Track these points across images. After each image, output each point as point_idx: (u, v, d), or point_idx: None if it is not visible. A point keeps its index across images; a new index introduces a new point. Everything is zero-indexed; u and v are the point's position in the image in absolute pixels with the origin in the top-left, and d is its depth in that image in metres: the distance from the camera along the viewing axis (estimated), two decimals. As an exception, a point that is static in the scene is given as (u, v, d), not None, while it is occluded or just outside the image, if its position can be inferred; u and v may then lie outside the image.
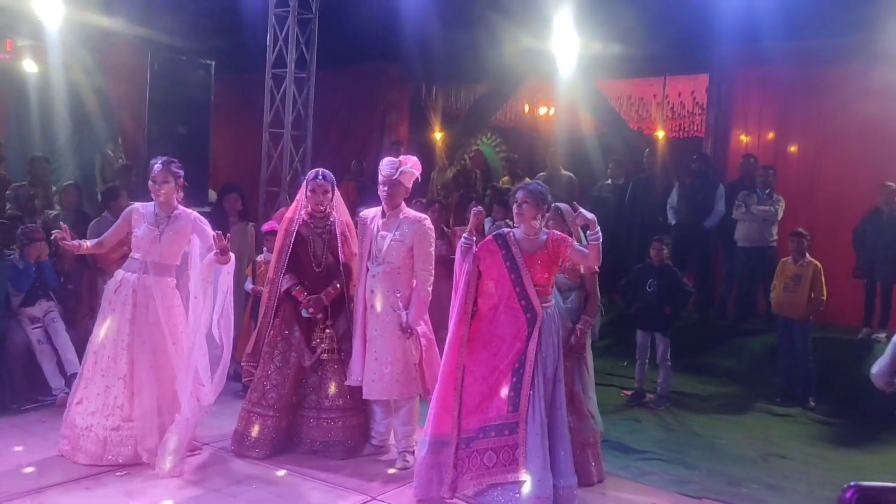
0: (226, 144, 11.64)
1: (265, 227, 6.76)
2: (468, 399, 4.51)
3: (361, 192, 9.94)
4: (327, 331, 5.20)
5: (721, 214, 8.79)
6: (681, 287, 7.24)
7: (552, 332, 4.51)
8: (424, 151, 11.01)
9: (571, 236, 4.73)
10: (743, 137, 9.89)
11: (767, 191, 8.41)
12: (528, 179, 8.89)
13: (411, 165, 5.09)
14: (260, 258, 6.66)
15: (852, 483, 1.41)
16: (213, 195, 8.42)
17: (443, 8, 9.85)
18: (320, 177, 5.19)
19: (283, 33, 9.11)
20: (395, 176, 5.03)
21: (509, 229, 4.75)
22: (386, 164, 5.08)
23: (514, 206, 4.60)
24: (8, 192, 8.20)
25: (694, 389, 7.69)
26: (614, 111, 11.88)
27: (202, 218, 5.11)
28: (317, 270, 5.21)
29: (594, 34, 9.73)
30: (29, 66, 11.26)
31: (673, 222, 9.03)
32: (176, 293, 5.05)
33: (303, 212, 5.24)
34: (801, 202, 8.92)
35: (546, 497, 4.25)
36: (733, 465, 5.73)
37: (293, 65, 9.10)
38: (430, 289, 5.06)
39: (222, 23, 10.11)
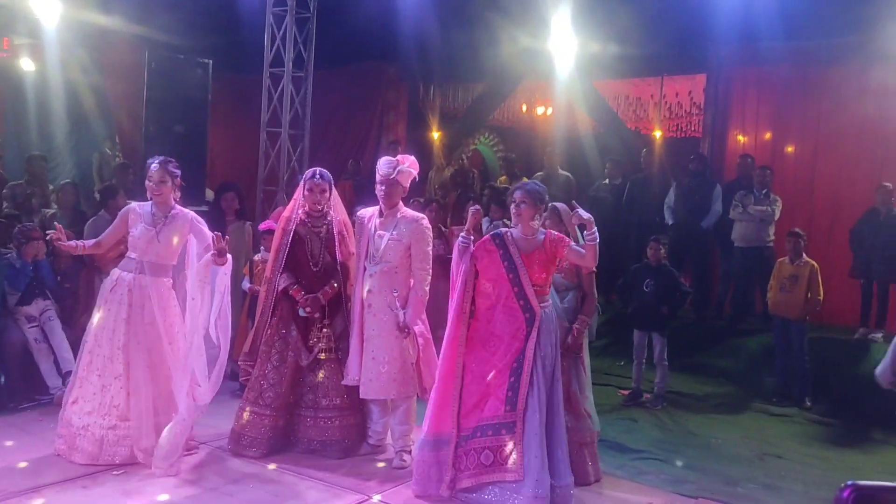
0: (223, 143, 11.61)
1: (262, 226, 6.75)
2: (466, 398, 4.53)
3: (358, 191, 9.94)
4: (324, 330, 5.20)
5: (718, 214, 8.79)
6: (678, 287, 7.25)
7: (550, 331, 4.52)
8: (422, 151, 11.02)
9: (569, 236, 4.73)
10: (740, 137, 9.89)
11: (764, 191, 8.42)
12: (525, 179, 8.92)
13: (409, 165, 5.09)
14: (257, 257, 6.65)
15: (849, 482, 1.41)
16: (210, 194, 8.41)
17: (441, 7, 9.85)
18: (318, 176, 5.19)
19: (281, 32, 9.11)
20: (393, 175, 5.03)
21: (507, 229, 4.76)
22: (383, 164, 5.08)
23: (513, 207, 4.60)
24: (5, 190, 8.19)
25: (691, 389, 7.69)
26: (612, 111, 11.88)
27: (199, 218, 5.10)
28: (314, 270, 5.21)
29: (592, 34, 9.74)
30: (26, 65, 11.24)
31: (670, 222, 9.03)
32: (172, 293, 5.04)
33: (300, 211, 5.24)
34: (799, 202, 8.93)
35: (543, 496, 4.26)
36: (730, 465, 5.74)
37: (291, 64, 9.10)
38: (427, 288, 5.06)
39: (220, 21, 10.10)
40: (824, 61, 8.91)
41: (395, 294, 5.00)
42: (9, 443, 5.08)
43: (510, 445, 4.37)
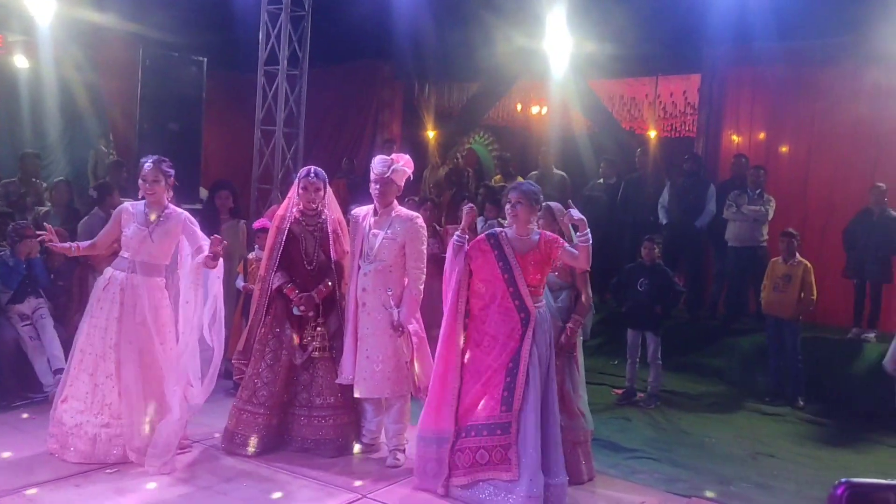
0: (217, 141, 11.60)
1: (257, 224, 6.75)
2: (462, 397, 4.55)
3: (353, 189, 9.95)
4: (318, 329, 5.19)
5: (712, 214, 8.81)
6: (671, 286, 7.26)
7: (545, 331, 4.53)
8: (417, 149, 11.03)
9: (563, 236, 4.73)
10: (734, 137, 9.91)
11: (758, 191, 8.44)
12: (520, 178, 8.94)
13: (403, 163, 5.09)
14: (251, 256, 6.64)
15: (843, 480, 1.41)
16: (204, 193, 8.40)
17: (436, 6, 9.86)
18: (312, 174, 5.18)
19: (276, 30, 9.10)
20: (388, 174, 5.03)
21: (501, 229, 4.75)
22: (378, 162, 5.08)
23: (508, 207, 4.59)
24: (-2, 188, 8.17)
25: (684, 388, 7.71)
26: (606, 111, 11.90)
27: (192, 218, 5.08)
28: (308, 268, 5.20)
29: (587, 34, 9.76)
30: (20, 62, 11.20)
31: (664, 222, 9.05)
32: (164, 293, 5.01)
33: (294, 209, 5.23)
34: (792, 202, 8.96)
35: (537, 496, 4.27)
36: (723, 464, 5.75)
37: (285, 62, 9.10)
38: (421, 287, 5.06)
39: (214, 19, 10.09)
40: (818, 61, 8.94)
41: (390, 293, 5.00)
42: (1, 441, 5.06)
43: (506, 445, 4.38)
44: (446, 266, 4.68)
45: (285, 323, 5.20)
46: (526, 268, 4.49)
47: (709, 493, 5.08)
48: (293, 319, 5.20)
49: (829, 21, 8.10)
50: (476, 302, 4.59)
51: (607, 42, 9.74)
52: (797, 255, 7.45)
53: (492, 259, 4.53)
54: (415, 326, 5.12)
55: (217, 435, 5.25)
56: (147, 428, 4.79)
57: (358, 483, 4.73)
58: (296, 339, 5.18)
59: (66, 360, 5.20)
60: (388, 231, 5.05)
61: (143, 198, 5.02)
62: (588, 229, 4.43)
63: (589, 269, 4.73)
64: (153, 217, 4.95)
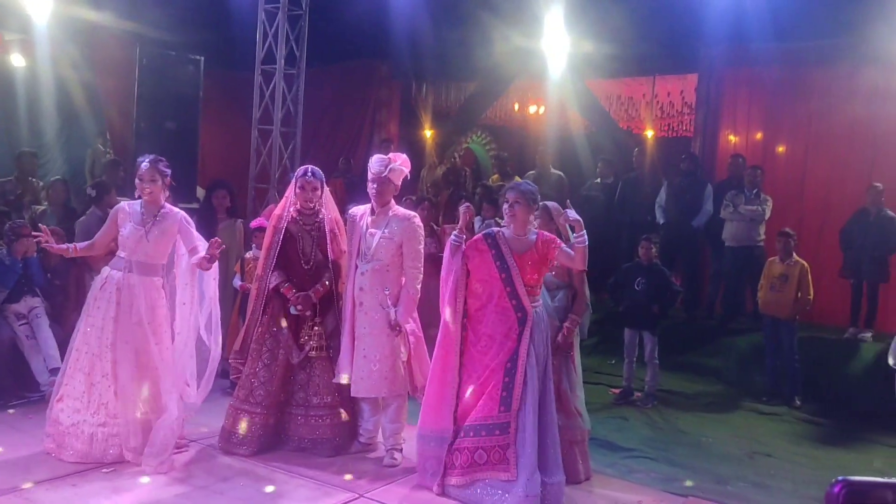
0: (214, 140, 11.58)
1: (254, 223, 6.74)
2: (460, 397, 4.55)
3: (350, 189, 9.93)
4: (316, 328, 5.19)
5: (709, 214, 8.82)
6: (669, 286, 7.26)
7: (542, 331, 4.53)
8: (414, 149, 11.02)
9: (560, 236, 4.74)
10: (731, 137, 9.93)
11: (755, 191, 8.45)
12: (518, 178, 8.93)
13: (401, 163, 5.09)
14: (248, 255, 6.64)
15: (840, 478, 1.41)
16: (200, 192, 8.39)
17: (433, 6, 9.86)
18: (309, 174, 5.18)
19: (273, 29, 9.09)
20: (385, 173, 5.03)
21: (498, 228, 4.76)
22: (375, 162, 5.08)
23: (506, 207, 4.59)
24: (-6, 187, 8.15)
25: (681, 388, 7.72)
26: (604, 110, 11.91)
27: (188, 218, 5.07)
28: (305, 267, 5.20)
29: (584, 33, 9.76)
30: (17, 61, 11.17)
31: (661, 221, 9.06)
32: (161, 293, 5.00)
33: (292, 209, 5.23)
34: (789, 202, 8.97)
35: (534, 496, 4.27)
36: (720, 464, 5.76)
37: (283, 61, 9.09)
38: (418, 286, 5.06)
39: (211, 18, 10.07)
40: (815, 62, 8.95)
41: (387, 292, 5.00)
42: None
43: (504, 445, 4.38)
44: (443, 266, 4.68)
45: (282, 322, 5.19)
46: (523, 267, 4.49)
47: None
48: (290, 319, 5.19)
49: (826, 22, 8.10)
50: (473, 302, 4.59)
51: (605, 42, 9.74)
52: (794, 254, 7.45)
53: (489, 259, 4.53)
54: (412, 326, 5.12)
55: (206, 432, 5.23)
56: (143, 427, 4.79)
57: (355, 482, 4.73)
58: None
59: (63, 359, 5.20)
60: (386, 230, 5.04)
61: (139, 197, 5.01)
62: (584, 230, 4.44)
63: (586, 269, 4.74)
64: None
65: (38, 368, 6.04)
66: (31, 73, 11.04)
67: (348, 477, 4.76)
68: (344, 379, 5.08)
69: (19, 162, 8.63)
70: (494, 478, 4.37)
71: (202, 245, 4.88)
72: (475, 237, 4.70)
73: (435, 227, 7.80)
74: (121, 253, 4.95)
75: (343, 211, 5.60)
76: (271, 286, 5.18)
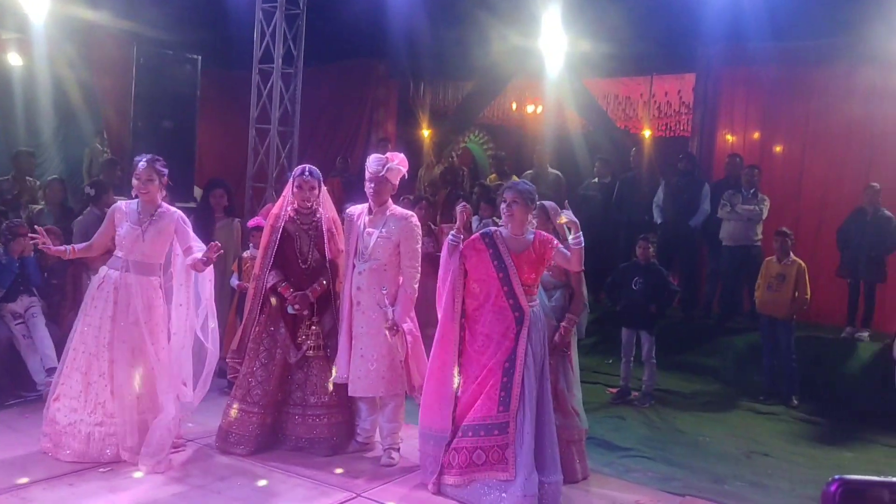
0: (212, 140, 11.57)
1: (251, 223, 6.73)
2: (458, 397, 4.54)
3: (347, 188, 9.92)
4: (313, 327, 5.18)
5: (706, 213, 8.83)
6: (666, 285, 7.27)
7: (539, 330, 4.53)
8: (412, 148, 11.01)
9: (558, 236, 4.73)
10: (729, 137, 9.93)
11: (752, 190, 8.45)
12: (515, 177, 8.93)
13: (398, 162, 5.08)
14: (246, 254, 6.63)
15: (836, 477, 1.41)
16: (198, 192, 8.38)
17: (431, 5, 9.85)
18: (307, 173, 5.17)
19: (271, 28, 9.08)
20: (382, 173, 5.02)
21: (496, 228, 4.75)
22: (373, 161, 5.07)
23: (504, 207, 4.59)
24: (-8, 186, 8.14)
25: (678, 387, 7.72)
26: (601, 110, 11.91)
27: (185, 218, 5.06)
28: (303, 267, 5.19)
29: (582, 33, 9.77)
30: (14, 60, 11.15)
31: (659, 221, 9.06)
32: (158, 292, 4.98)
33: (289, 208, 5.22)
34: (786, 202, 8.98)
35: (532, 495, 4.27)
36: (717, 463, 5.76)
37: (280, 60, 9.07)
38: (416, 286, 5.06)
39: (209, 17, 10.06)
40: (812, 62, 8.96)
41: (384, 291, 4.99)
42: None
43: (503, 445, 4.38)
44: (441, 266, 4.68)
45: (280, 322, 5.18)
46: (520, 267, 4.49)
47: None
48: (287, 318, 5.18)
49: (824, 21, 8.11)
50: (470, 302, 4.60)
51: (602, 41, 9.75)
52: (791, 254, 7.46)
53: (486, 258, 4.53)
54: (409, 325, 5.11)
55: (203, 431, 5.23)
56: (139, 427, 4.78)
57: (352, 482, 4.72)
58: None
59: (59, 358, 5.19)
60: (383, 230, 5.04)
61: (136, 196, 5.01)
62: (581, 232, 4.44)
63: (582, 269, 4.74)
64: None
65: (35, 368, 6.03)
66: (27, 73, 11.02)
67: (353, 482, 4.75)
68: (333, 372, 5.08)
69: (16, 161, 8.62)
70: (492, 478, 4.38)
71: (197, 246, 4.88)
72: (473, 236, 4.70)
73: (432, 226, 7.80)
74: (118, 252, 4.94)
75: (340, 210, 5.60)
76: (269, 285, 5.18)
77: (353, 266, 5.09)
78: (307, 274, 5.20)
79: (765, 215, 8.42)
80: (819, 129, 9.07)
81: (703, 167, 9.69)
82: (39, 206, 7.90)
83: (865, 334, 7.91)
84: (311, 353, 5.15)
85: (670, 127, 11.85)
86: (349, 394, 5.10)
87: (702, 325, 8.85)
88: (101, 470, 4.65)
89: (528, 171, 10.02)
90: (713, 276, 9.13)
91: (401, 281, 5.06)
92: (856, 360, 7.70)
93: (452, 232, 4.60)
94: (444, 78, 12.86)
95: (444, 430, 4.54)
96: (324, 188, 5.34)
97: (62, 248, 5.04)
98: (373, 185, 5.04)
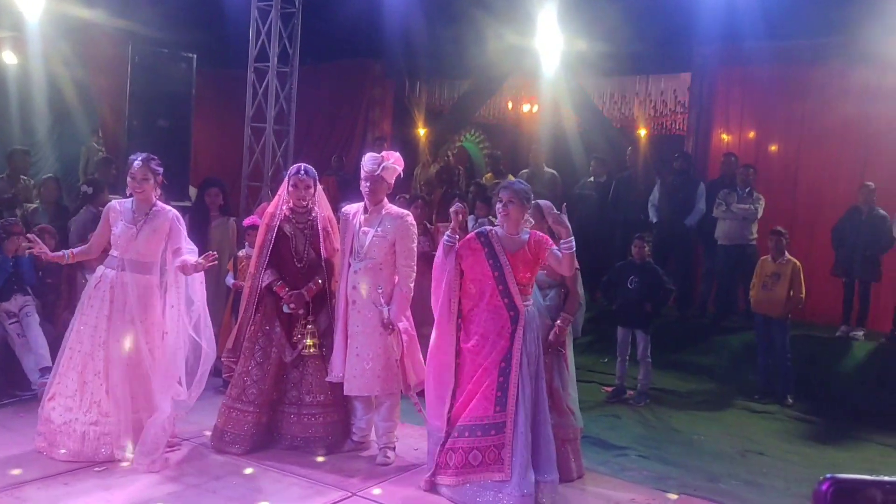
0: (207, 138, 11.57)
1: (246, 221, 6.73)
2: (454, 396, 4.55)
3: (343, 187, 9.92)
4: (308, 326, 5.18)
5: (702, 212, 8.84)
6: (661, 284, 7.27)
7: (534, 329, 4.54)
8: (408, 147, 11.01)
9: (553, 236, 4.74)
10: (724, 136, 9.95)
11: (748, 189, 8.47)
12: (511, 177, 8.94)
13: (394, 161, 5.08)
14: (241, 253, 6.62)
15: (828, 475, 1.41)
16: (193, 191, 8.36)
17: (427, 4, 9.85)
18: (302, 172, 5.17)
19: (266, 27, 9.06)
20: (378, 172, 5.02)
21: (491, 227, 4.75)
22: (368, 160, 5.07)
23: (499, 206, 4.58)
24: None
25: (674, 386, 7.73)
26: (597, 109, 11.91)
27: (180, 217, 5.05)
28: (298, 266, 5.19)
29: (578, 32, 9.77)
30: (8, 58, 11.15)
31: (654, 220, 9.07)
32: (155, 291, 4.97)
33: (284, 207, 5.22)
34: (781, 201, 8.99)
35: (529, 495, 4.28)
36: (712, 462, 5.77)
37: (276, 59, 9.05)
38: (412, 285, 5.05)
39: (204, 16, 10.04)
40: (807, 61, 8.98)
41: (380, 290, 4.99)
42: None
43: (499, 445, 4.38)
44: (435, 266, 4.68)
45: (275, 321, 5.18)
46: (516, 266, 4.49)
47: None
48: (283, 317, 5.18)
49: (819, 21, 8.12)
50: (466, 302, 4.60)
51: (598, 40, 9.74)
52: (786, 253, 7.47)
53: (482, 257, 4.53)
54: (405, 324, 5.11)
55: (207, 433, 5.24)
56: (134, 426, 4.78)
57: (348, 480, 4.72)
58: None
59: (53, 358, 5.18)
60: (379, 229, 5.04)
61: (131, 195, 5.00)
62: (572, 237, 4.43)
63: (573, 274, 4.76)
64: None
65: (30, 367, 6.01)
66: (22, 71, 11.01)
67: (349, 481, 4.75)
68: (336, 377, 5.08)
69: (11, 160, 8.61)
70: (487, 479, 4.38)
71: (187, 248, 4.88)
72: (468, 236, 4.70)
73: (428, 225, 7.79)
74: (113, 251, 4.94)
75: (336, 209, 5.60)
76: (264, 284, 5.17)
77: (349, 265, 5.09)
78: (303, 273, 5.20)
79: (760, 214, 8.43)
80: (814, 129, 9.09)
81: (699, 166, 9.71)
82: (34, 205, 7.89)
83: (860, 333, 7.92)
84: (306, 352, 5.15)
85: (666, 126, 11.85)
86: (345, 393, 5.10)
87: (697, 324, 8.86)
88: (96, 469, 4.64)
89: (524, 170, 10.03)
90: (708, 276, 9.14)
91: (396, 280, 5.06)
92: (850, 359, 7.72)
93: (448, 233, 4.60)
94: (440, 77, 12.86)
95: (440, 430, 4.56)
96: (319, 187, 5.34)
97: (60, 253, 5.03)
98: (368, 184, 5.04)
